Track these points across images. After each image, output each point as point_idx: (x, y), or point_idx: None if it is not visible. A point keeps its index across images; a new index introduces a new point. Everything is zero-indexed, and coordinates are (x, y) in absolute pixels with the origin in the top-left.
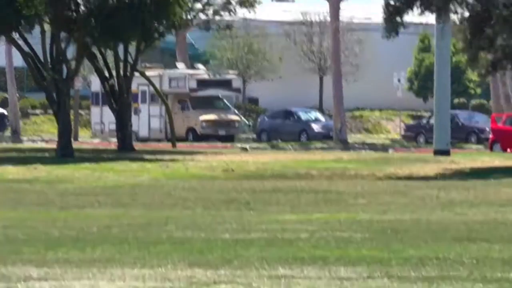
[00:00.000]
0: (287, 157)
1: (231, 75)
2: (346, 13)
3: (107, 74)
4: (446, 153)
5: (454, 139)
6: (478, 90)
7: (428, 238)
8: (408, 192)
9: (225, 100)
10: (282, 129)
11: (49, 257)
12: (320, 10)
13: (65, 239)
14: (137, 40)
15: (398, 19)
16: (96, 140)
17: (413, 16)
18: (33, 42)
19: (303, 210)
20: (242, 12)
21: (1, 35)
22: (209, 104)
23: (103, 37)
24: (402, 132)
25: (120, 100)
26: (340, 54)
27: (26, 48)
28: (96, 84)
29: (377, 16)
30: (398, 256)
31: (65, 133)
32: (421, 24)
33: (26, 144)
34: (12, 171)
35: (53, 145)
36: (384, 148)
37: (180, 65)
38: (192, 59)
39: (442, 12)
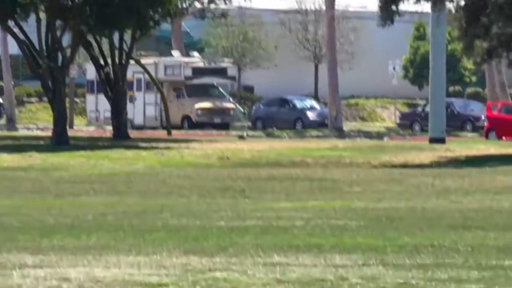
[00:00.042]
0: (282, 145)
1: (226, 63)
2: (342, 1)
3: (102, 62)
4: (441, 141)
5: (450, 127)
6: (474, 78)
7: (423, 225)
8: (403, 180)
9: (220, 88)
10: (277, 117)
11: (44, 244)
12: None
13: (60, 227)
14: (132, 28)
15: (393, 7)
16: (91, 128)
17: (408, 5)
18: (29, 30)
19: (298, 198)
20: (237, 1)
21: None
22: (204, 92)
23: (98, 25)
24: (397, 120)
25: (115, 88)
26: (335, 42)
27: (21, 36)
28: (91, 72)
29: (373, 4)
30: (393, 244)
31: (60, 121)
32: (416, 12)
33: (21, 132)
34: (7, 159)
35: (48, 133)
36: (379, 136)
37: (176, 53)
38: (188, 47)
39: (437, 1)
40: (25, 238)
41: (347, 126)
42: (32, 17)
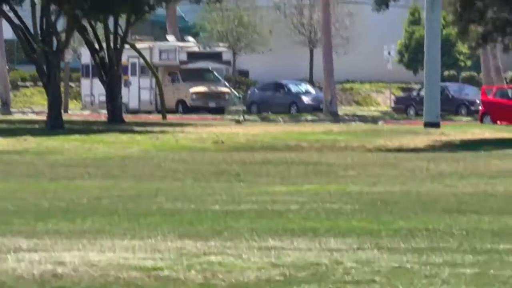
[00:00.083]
0: (277, 129)
1: (221, 47)
2: None
3: (97, 47)
4: (436, 125)
5: (444, 111)
6: (468, 63)
7: (418, 209)
8: (398, 164)
9: (215, 73)
10: (272, 101)
11: (39, 228)
12: None
13: (55, 211)
14: (127, 12)
15: None
16: (86, 112)
17: None
18: (24, 15)
19: (293, 181)
20: None
21: None
22: (199, 76)
23: (93, 9)
24: (392, 104)
25: (110, 73)
26: (330, 27)
27: (16, 21)
28: (86, 57)
29: None
30: (388, 228)
31: (55, 105)
32: None
33: (16, 116)
34: (2, 142)
35: (43, 117)
36: (374, 120)
37: (170, 38)
38: (182, 32)
39: None
40: (20, 222)
41: (342, 110)
42: (27, 2)
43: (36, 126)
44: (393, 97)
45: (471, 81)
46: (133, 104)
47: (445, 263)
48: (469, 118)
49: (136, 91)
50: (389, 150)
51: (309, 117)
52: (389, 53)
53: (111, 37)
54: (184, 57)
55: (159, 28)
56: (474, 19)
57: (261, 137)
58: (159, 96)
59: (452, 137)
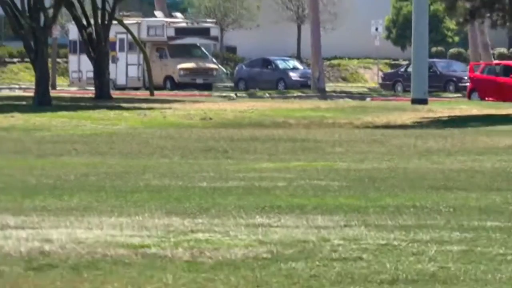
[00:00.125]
0: (264, 106)
1: (209, 23)
2: None
3: (85, 22)
4: (423, 101)
5: (432, 88)
6: (456, 39)
7: (405, 186)
8: (385, 140)
9: (203, 49)
10: (260, 77)
11: (26, 205)
12: None
13: (42, 187)
14: None
15: None
16: (74, 89)
17: None
18: None
19: (281, 158)
20: None
21: None
22: (187, 52)
23: None
24: (380, 81)
25: (98, 49)
26: (318, 2)
27: None
28: (74, 33)
29: None
30: (375, 205)
31: (43, 82)
32: None
33: (3, 92)
34: None
35: (31, 94)
36: (361, 96)
37: (158, 13)
38: (170, 8)
39: None
40: (7, 199)
41: (329, 86)
42: None
43: (24, 102)
44: (380, 73)
45: (459, 57)
46: (120, 80)
47: (432, 240)
48: (456, 95)
49: (124, 67)
50: (376, 126)
51: (297, 94)
52: (376, 29)
53: (99, 13)
54: (172, 32)
55: (147, 4)
56: None
57: (249, 114)
58: (146, 72)
59: (439, 114)
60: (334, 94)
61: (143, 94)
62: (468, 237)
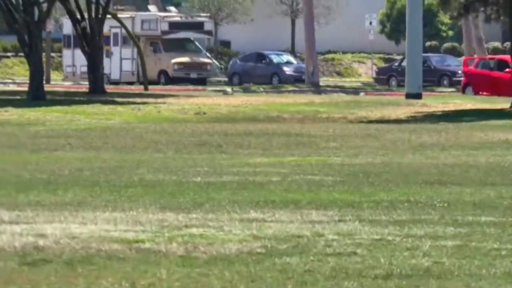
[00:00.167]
0: (258, 100)
1: (203, 17)
2: None
3: (79, 17)
4: (418, 96)
5: (426, 82)
6: (450, 33)
7: (400, 181)
8: (379, 135)
9: (197, 43)
10: (254, 72)
11: (20, 200)
12: None
13: (37, 182)
14: None
15: None
16: (68, 83)
17: None
18: None
19: (275, 153)
20: None
21: None
22: (181, 46)
23: None
24: (374, 75)
25: (92, 43)
26: None
27: None
28: (68, 27)
29: None
30: (369, 200)
31: (37, 76)
32: None
33: None
34: None
35: (25, 88)
36: (355, 91)
37: (152, 8)
38: (164, 2)
39: None
40: (1, 194)
41: (323, 81)
42: None
43: (18, 97)
44: (375, 67)
45: (453, 51)
46: (115, 74)
47: (426, 235)
48: (451, 89)
49: (118, 62)
50: (370, 121)
51: (291, 88)
52: (370, 23)
53: (93, 7)
54: (166, 27)
55: None
56: None
57: (243, 108)
58: (141, 66)
59: (434, 108)
60: (328, 88)
61: (137, 88)
62: (463, 232)
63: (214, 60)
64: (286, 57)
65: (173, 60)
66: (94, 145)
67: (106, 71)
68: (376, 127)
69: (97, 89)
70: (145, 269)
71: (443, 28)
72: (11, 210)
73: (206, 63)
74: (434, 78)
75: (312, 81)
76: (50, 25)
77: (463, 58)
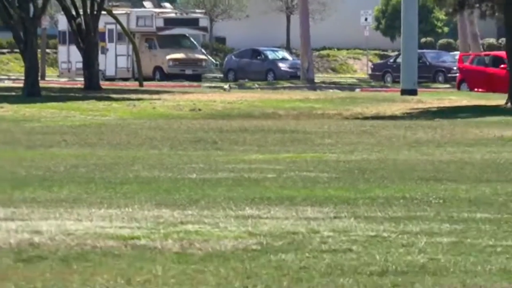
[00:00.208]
0: (254, 97)
1: (198, 13)
2: None
3: (74, 13)
4: (413, 92)
5: (421, 79)
6: (446, 29)
7: (395, 178)
8: (375, 131)
9: (192, 39)
10: (249, 68)
11: (16, 196)
12: None
13: (32, 179)
14: None
15: None
16: (63, 79)
17: None
18: None
19: (270, 150)
20: None
21: None
22: (176, 43)
23: None
24: (369, 71)
25: (87, 39)
26: None
27: None
28: (63, 23)
29: None
30: (364, 196)
31: (32, 72)
32: None
33: None
34: None
35: (20, 84)
36: (351, 87)
37: (147, 4)
38: None
39: None
40: None
41: (319, 77)
42: None
43: (13, 93)
44: (370, 64)
45: (448, 48)
46: (110, 71)
47: (422, 232)
48: (446, 85)
49: (113, 58)
50: (366, 117)
51: (286, 84)
52: (366, 20)
53: (88, 3)
54: (161, 23)
55: None
56: None
57: (238, 105)
58: (136, 63)
59: (429, 105)
60: (323, 85)
61: (133, 84)
62: (458, 229)
63: (209, 57)
64: (282, 54)
65: (168, 57)
66: (89, 141)
67: (101, 67)
68: (372, 124)
69: (92, 85)
70: (141, 266)
71: (439, 24)
72: (6, 206)
73: (201, 60)
74: (429, 74)
75: (307, 77)
76: (45, 22)
77: (457, 53)
